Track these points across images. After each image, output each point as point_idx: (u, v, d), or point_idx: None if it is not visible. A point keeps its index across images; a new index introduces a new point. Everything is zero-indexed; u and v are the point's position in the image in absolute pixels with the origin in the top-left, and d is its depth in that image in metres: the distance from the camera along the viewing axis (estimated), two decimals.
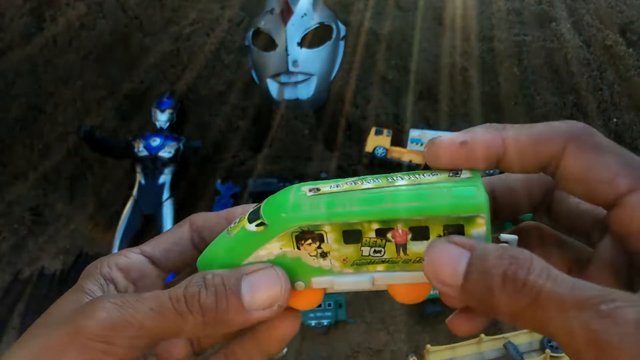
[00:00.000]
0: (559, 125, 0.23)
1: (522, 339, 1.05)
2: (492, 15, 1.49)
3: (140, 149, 1.40)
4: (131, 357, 0.23)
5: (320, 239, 0.24)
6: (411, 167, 1.36)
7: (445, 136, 0.24)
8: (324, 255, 0.24)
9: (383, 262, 0.24)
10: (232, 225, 0.26)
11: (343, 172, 1.40)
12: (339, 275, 0.25)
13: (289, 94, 1.26)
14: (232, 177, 1.45)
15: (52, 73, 1.56)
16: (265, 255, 0.25)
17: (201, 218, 0.29)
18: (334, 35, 1.31)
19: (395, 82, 1.47)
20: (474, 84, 1.43)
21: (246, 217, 0.25)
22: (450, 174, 0.24)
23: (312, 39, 1.27)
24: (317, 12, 1.29)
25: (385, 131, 1.40)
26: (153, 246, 0.28)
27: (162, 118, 1.45)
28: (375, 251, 0.24)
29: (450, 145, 0.24)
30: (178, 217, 1.37)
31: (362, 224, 0.23)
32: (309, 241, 0.24)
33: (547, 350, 1.01)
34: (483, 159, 0.24)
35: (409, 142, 1.38)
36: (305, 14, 1.26)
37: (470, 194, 0.23)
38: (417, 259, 0.24)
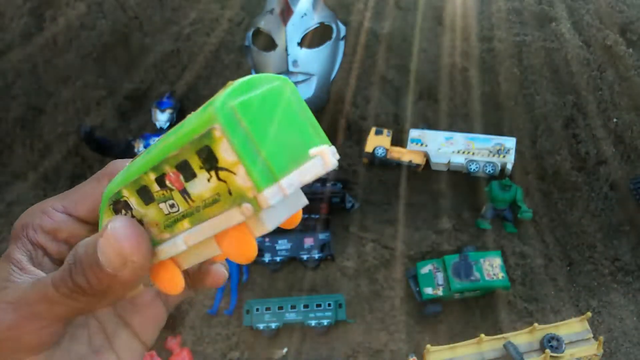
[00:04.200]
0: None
1: (522, 339, 1.05)
2: (492, 15, 1.49)
3: (141, 149, 1.40)
4: (46, 342, 0.24)
5: (127, 206, 0.23)
6: (411, 167, 1.36)
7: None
8: (140, 223, 0.23)
9: (184, 216, 0.22)
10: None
11: (343, 172, 1.40)
12: (161, 242, 0.23)
13: None
14: None
15: (52, 73, 1.56)
16: None
17: (118, 168, 0.28)
18: (334, 35, 1.31)
19: (395, 82, 1.47)
20: (474, 84, 1.43)
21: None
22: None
23: (312, 39, 1.27)
24: (317, 12, 1.29)
25: (385, 131, 1.40)
26: (76, 203, 0.27)
27: (162, 118, 1.45)
28: (170, 206, 0.22)
29: None
30: None
31: (143, 178, 0.22)
32: (123, 211, 0.23)
33: (547, 350, 1.01)
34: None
35: (409, 142, 1.38)
36: (305, 14, 1.26)
37: (205, 108, 0.20)
38: (206, 204, 0.21)
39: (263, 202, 0.19)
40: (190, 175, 0.21)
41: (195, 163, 0.20)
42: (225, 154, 0.19)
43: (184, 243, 0.22)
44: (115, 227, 0.22)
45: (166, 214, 0.23)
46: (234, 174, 0.19)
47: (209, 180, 0.20)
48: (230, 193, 0.20)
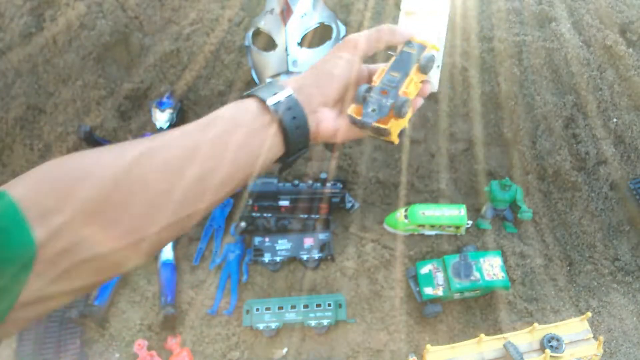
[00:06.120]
0: None
1: (522, 339, 1.05)
2: (492, 15, 1.49)
3: None
4: None
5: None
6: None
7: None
8: None
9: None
10: None
11: (343, 172, 1.40)
12: None
13: None
14: None
15: (52, 73, 1.56)
16: None
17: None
18: (334, 35, 1.31)
19: None
20: (474, 84, 1.43)
21: None
22: None
23: (312, 39, 1.27)
24: (317, 12, 1.29)
25: None
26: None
27: (162, 118, 1.45)
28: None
29: None
30: None
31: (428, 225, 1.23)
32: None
33: (547, 350, 1.01)
34: None
35: None
36: (305, 14, 1.26)
37: (461, 218, 1.23)
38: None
39: None
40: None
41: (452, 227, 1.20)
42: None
43: None
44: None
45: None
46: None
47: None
48: None
